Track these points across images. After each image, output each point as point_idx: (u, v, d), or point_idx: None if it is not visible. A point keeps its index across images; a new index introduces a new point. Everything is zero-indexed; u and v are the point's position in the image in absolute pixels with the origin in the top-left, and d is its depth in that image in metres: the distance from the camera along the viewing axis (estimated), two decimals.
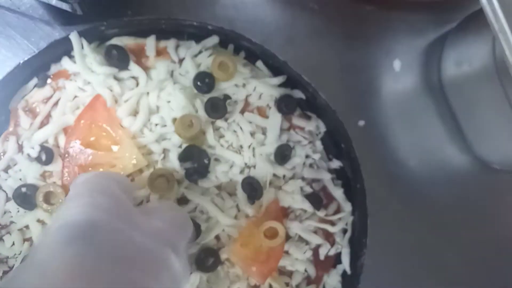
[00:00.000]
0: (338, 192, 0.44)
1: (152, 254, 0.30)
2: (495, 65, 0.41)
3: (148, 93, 0.42)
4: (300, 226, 0.42)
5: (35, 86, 0.42)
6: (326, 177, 0.44)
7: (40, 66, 0.41)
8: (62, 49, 0.41)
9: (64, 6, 0.39)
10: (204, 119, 0.41)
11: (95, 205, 0.30)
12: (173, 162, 0.41)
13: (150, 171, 0.40)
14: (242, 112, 0.43)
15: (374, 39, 0.50)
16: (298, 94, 0.44)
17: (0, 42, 0.45)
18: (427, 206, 0.51)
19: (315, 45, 0.50)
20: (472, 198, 0.52)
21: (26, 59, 0.39)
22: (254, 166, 0.42)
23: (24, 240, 0.40)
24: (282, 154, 0.42)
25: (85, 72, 0.41)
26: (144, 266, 0.29)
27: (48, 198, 0.39)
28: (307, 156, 0.43)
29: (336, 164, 0.44)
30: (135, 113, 0.42)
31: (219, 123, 0.42)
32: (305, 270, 0.43)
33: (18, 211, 0.40)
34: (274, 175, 0.42)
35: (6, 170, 0.41)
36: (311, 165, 0.44)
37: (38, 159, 0.40)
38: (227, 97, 0.43)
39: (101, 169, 0.40)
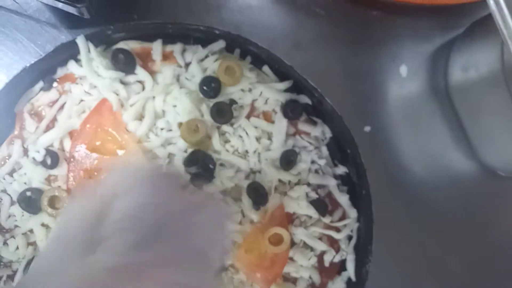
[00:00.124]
0: (343, 199, 0.43)
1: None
2: (503, 71, 0.40)
3: (154, 97, 0.42)
4: (305, 232, 0.42)
5: (41, 89, 0.42)
6: (332, 183, 0.43)
7: (46, 70, 0.41)
8: (69, 52, 0.41)
9: (71, 10, 0.39)
10: (209, 124, 0.41)
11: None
12: (178, 167, 0.41)
13: None
14: (248, 117, 0.43)
15: (380, 45, 0.50)
16: (304, 99, 0.44)
17: (7, 45, 0.45)
18: (432, 211, 0.50)
19: (321, 50, 0.50)
20: (476, 204, 0.52)
21: (32, 62, 0.39)
22: (260, 172, 0.42)
23: (28, 244, 0.40)
24: (288, 160, 0.42)
25: (91, 76, 0.41)
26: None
27: (53, 202, 0.39)
28: (312, 162, 0.43)
29: (341, 170, 0.44)
30: (140, 117, 0.42)
31: (225, 128, 0.42)
32: (310, 277, 0.42)
33: (23, 215, 0.40)
34: (280, 180, 0.42)
35: (11, 173, 0.41)
36: (316, 171, 0.44)
37: (43, 163, 0.40)
38: (233, 102, 0.43)
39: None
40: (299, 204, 0.42)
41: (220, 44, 0.43)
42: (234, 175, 0.42)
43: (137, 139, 0.41)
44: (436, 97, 0.51)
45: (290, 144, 0.43)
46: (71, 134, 0.41)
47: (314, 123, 0.44)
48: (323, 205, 0.43)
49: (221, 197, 0.40)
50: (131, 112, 0.41)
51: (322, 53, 0.50)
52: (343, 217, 0.43)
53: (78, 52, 0.41)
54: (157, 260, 0.26)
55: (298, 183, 0.43)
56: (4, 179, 0.41)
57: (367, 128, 0.49)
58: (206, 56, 0.43)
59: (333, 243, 0.43)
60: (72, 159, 0.40)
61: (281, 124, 0.43)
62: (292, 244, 0.42)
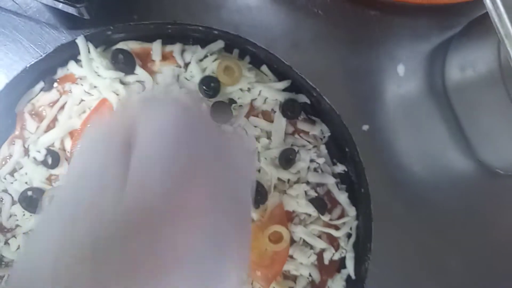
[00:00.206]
0: (342, 197, 0.44)
1: None
2: (500, 70, 0.41)
3: None
4: (304, 230, 0.42)
5: (41, 90, 0.42)
6: (331, 181, 0.44)
7: (46, 70, 0.42)
8: (69, 53, 0.41)
9: (71, 10, 0.39)
10: None
11: None
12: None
13: None
14: (247, 116, 0.43)
15: (378, 44, 0.51)
16: (303, 98, 0.44)
17: (7, 46, 0.45)
18: (431, 210, 0.51)
19: (320, 49, 0.50)
20: (475, 203, 0.52)
21: (32, 63, 0.40)
22: (259, 170, 0.42)
23: None
24: (287, 158, 0.42)
25: (91, 76, 0.41)
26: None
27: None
28: (311, 161, 0.43)
29: (340, 168, 0.44)
30: None
31: (225, 127, 0.42)
32: (310, 275, 0.43)
33: (24, 215, 0.41)
34: (279, 179, 0.43)
35: (12, 173, 0.41)
36: (315, 170, 0.44)
37: (44, 163, 0.40)
38: (232, 101, 0.43)
39: None
40: (298, 202, 0.42)
41: (219, 44, 0.43)
42: None
43: None
44: (434, 96, 0.51)
45: (289, 143, 0.43)
46: (71, 134, 0.41)
47: (313, 122, 0.45)
48: (322, 203, 0.43)
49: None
50: None
51: (320, 53, 0.50)
52: (342, 215, 0.44)
53: (78, 52, 0.41)
54: (193, 201, 0.23)
55: (297, 182, 0.43)
56: (5, 179, 0.41)
57: (365, 127, 0.50)
58: (205, 56, 0.43)
59: (333, 241, 0.43)
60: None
61: (280, 123, 0.43)
62: (292, 242, 0.42)
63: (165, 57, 0.43)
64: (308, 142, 0.44)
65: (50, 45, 0.45)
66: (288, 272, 0.42)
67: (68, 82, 0.42)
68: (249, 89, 0.43)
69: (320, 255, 0.43)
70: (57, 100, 0.42)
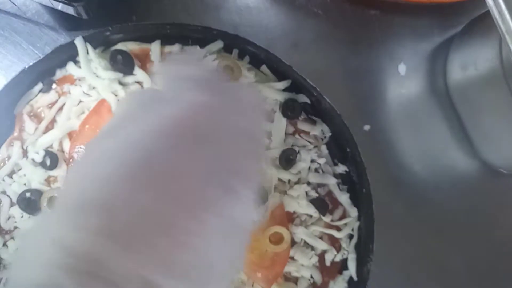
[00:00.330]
0: (343, 197, 0.43)
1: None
2: (502, 68, 0.40)
3: None
4: (305, 231, 0.42)
5: (40, 91, 0.42)
6: (332, 182, 0.43)
7: (45, 71, 0.42)
8: (67, 54, 0.41)
9: (69, 11, 0.39)
10: None
11: None
12: None
13: None
14: None
15: (379, 44, 0.50)
16: (303, 98, 0.44)
17: (6, 48, 0.45)
18: (432, 210, 0.50)
19: (320, 49, 0.50)
20: (478, 203, 0.51)
21: (31, 64, 0.39)
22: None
23: None
24: (287, 159, 0.42)
25: (90, 77, 0.41)
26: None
27: (52, 203, 0.39)
28: (312, 161, 0.43)
29: (341, 168, 0.44)
30: None
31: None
32: (311, 276, 0.42)
33: (22, 216, 0.40)
34: (279, 179, 0.42)
35: (10, 175, 0.41)
36: (316, 170, 0.44)
37: (42, 164, 0.40)
38: None
39: None
40: (299, 203, 0.42)
41: (218, 44, 0.43)
42: None
43: None
44: (435, 95, 0.51)
45: (290, 143, 0.43)
46: (70, 135, 0.41)
47: (314, 122, 0.44)
48: (323, 204, 0.42)
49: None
50: None
51: (320, 53, 0.50)
52: (344, 216, 0.43)
53: (76, 53, 0.41)
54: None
55: (298, 182, 0.43)
56: (4, 180, 0.40)
57: (367, 127, 0.49)
58: (205, 56, 0.43)
59: (334, 242, 0.43)
60: (71, 160, 0.40)
61: (280, 123, 0.43)
62: (293, 243, 0.42)
63: (164, 57, 0.43)
64: (309, 142, 0.44)
65: (49, 46, 0.45)
66: (289, 274, 0.42)
67: (66, 83, 0.42)
68: None
69: (321, 256, 0.42)
70: (56, 101, 0.42)
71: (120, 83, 0.42)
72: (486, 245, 0.51)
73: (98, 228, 0.20)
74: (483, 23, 0.46)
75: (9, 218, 0.40)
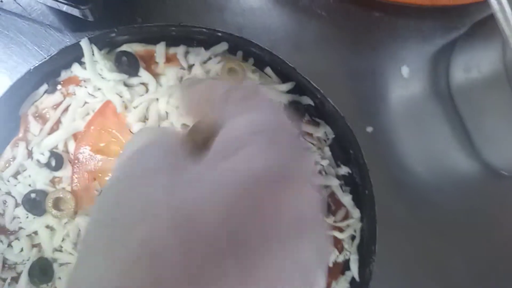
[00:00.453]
0: (346, 199, 0.44)
1: None
2: (505, 71, 0.41)
3: (157, 99, 0.42)
4: None
5: (45, 92, 0.42)
6: (335, 183, 0.44)
7: (50, 72, 0.42)
8: (73, 55, 0.41)
9: (75, 12, 0.39)
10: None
11: None
12: None
13: None
14: None
15: (382, 46, 0.50)
16: (307, 100, 0.44)
17: (11, 49, 0.45)
18: (435, 212, 0.50)
19: (323, 51, 0.50)
20: (480, 205, 0.52)
21: (36, 65, 0.40)
22: None
23: (33, 246, 0.40)
24: None
25: (95, 78, 0.41)
26: None
27: (57, 204, 0.40)
28: (315, 163, 0.43)
29: (344, 170, 0.44)
30: (144, 119, 0.42)
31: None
32: None
33: (27, 217, 0.40)
34: None
35: (15, 175, 0.41)
36: (319, 172, 0.44)
37: (47, 165, 0.40)
38: None
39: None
40: None
41: (223, 46, 0.43)
42: None
43: None
44: (438, 98, 0.51)
45: None
46: (75, 136, 0.41)
47: (317, 124, 0.44)
48: (326, 205, 0.43)
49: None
50: (135, 114, 0.41)
51: (324, 55, 0.50)
52: (346, 217, 0.44)
53: (82, 54, 0.41)
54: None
55: None
56: (9, 181, 0.41)
57: (370, 129, 0.49)
58: (209, 58, 0.43)
59: (337, 243, 0.43)
60: (76, 161, 0.40)
61: None
62: None
63: (169, 59, 0.43)
64: (312, 144, 0.44)
65: (54, 47, 0.45)
66: None
67: (72, 84, 0.42)
68: None
69: None
70: (61, 102, 0.42)
71: (125, 84, 0.42)
72: (487, 246, 0.51)
73: None
74: (486, 26, 0.46)
75: (14, 218, 0.41)
